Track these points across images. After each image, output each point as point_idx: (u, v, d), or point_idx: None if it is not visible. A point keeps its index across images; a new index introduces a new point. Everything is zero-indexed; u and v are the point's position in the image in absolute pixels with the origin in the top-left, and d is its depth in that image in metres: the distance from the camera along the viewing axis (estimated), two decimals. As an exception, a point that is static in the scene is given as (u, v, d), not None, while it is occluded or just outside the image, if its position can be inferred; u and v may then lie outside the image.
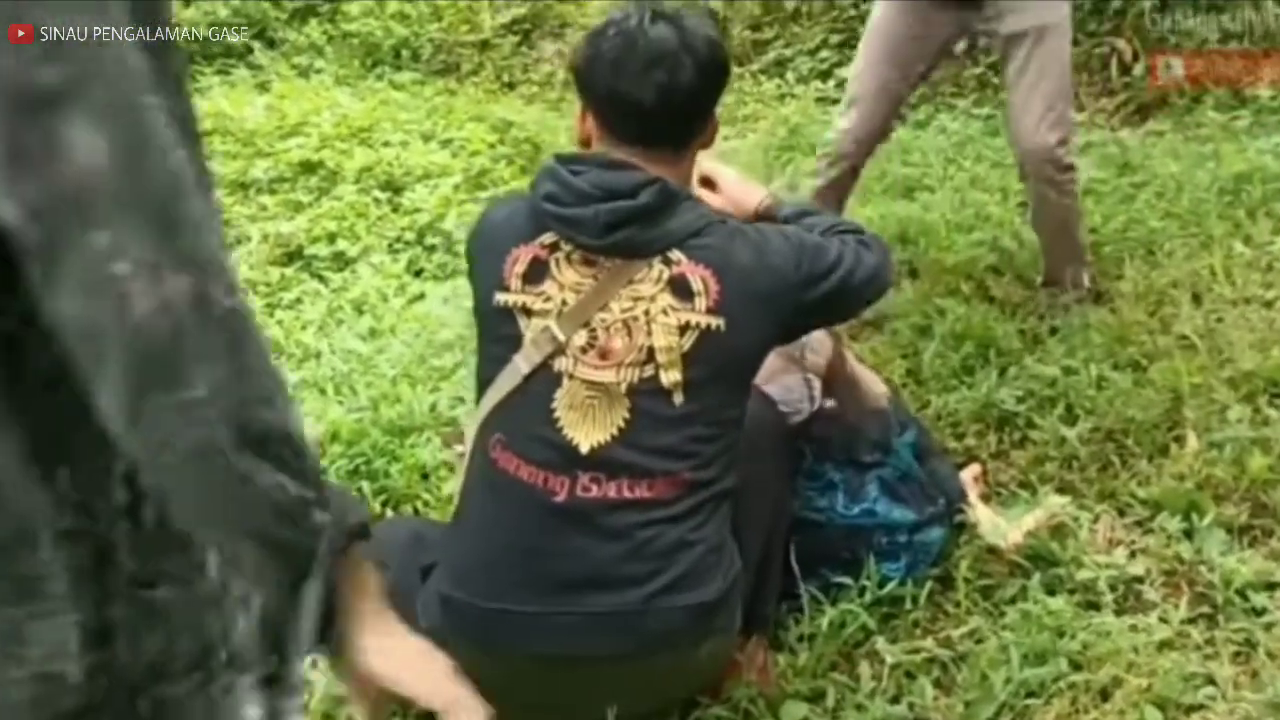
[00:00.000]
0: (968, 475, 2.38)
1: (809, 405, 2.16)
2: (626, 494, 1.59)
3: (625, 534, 1.58)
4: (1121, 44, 4.94)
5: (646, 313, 1.61)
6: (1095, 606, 2.02)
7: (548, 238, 1.65)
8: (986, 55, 5.30)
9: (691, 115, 1.68)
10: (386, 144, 4.71)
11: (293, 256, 3.85)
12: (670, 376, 1.60)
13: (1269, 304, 2.96)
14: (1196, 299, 3.01)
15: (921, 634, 2.00)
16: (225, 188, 4.30)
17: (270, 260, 3.80)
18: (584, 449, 1.60)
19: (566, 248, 1.64)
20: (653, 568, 1.58)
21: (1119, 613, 2.01)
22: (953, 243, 3.38)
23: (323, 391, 2.88)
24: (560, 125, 5.31)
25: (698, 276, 1.62)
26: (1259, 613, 1.98)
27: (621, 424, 1.60)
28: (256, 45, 7.20)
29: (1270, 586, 2.05)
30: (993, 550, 2.18)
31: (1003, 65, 2.94)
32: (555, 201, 1.63)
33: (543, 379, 1.63)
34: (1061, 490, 2.35)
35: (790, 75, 5.68)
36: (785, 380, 2.14)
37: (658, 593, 1.58)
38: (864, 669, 1.89)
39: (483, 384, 1.72)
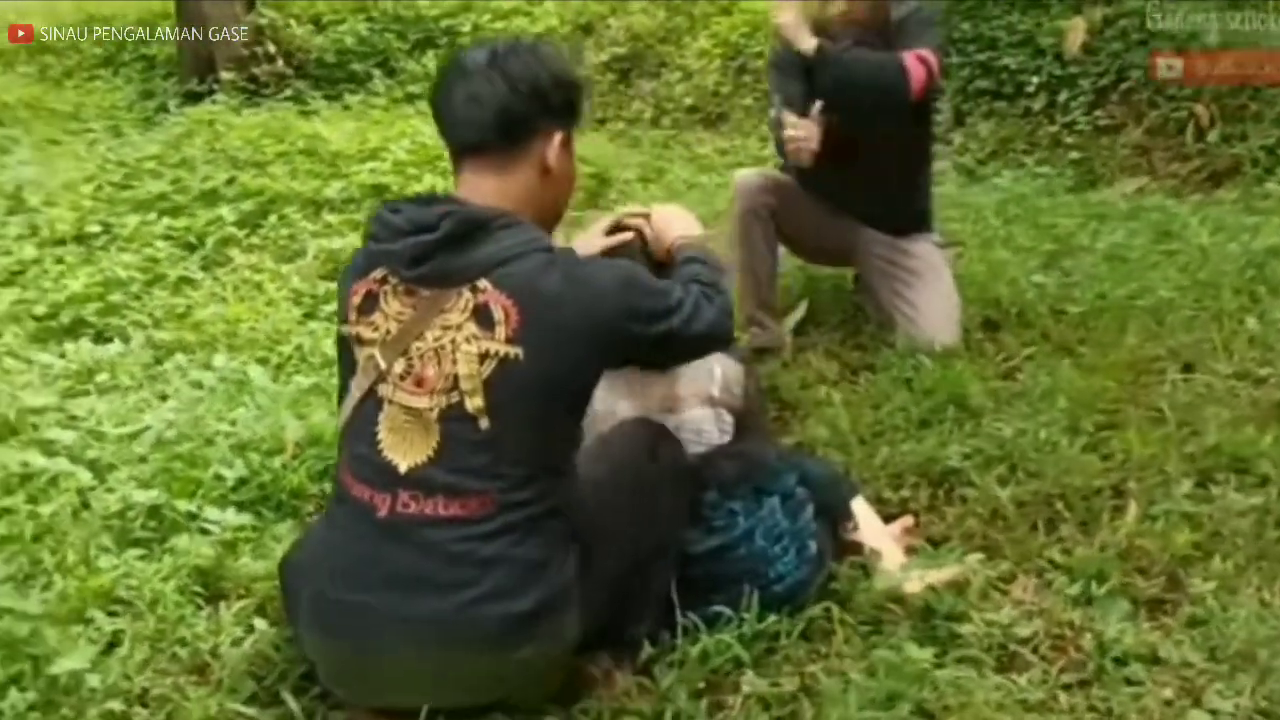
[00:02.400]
0: (897, 527, 2.42)
1: (719, 438, 2.25)
2: (441, 511, 1.72)
3: (440, 547, 1.71)
4: (1199, 109, 4.85)
5: (453, 341, 1.73)
6: (973, 662, 2.05)
7: (379, 273, 1.81)
8: (1064, 114, 5.28)
9: (501, 127, 1.81)
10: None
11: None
12: (474, 402, 1.72)
13: (1260, 380, 2.90)
14: (1189, 370, 2.97)
15: (791, 670, 2.05)
16: (299, 205, 4.62)
17: (319, 274, 4.07)
18: (402, 469, 1.74)
19: (393, 280, 1.79)
20: (465, 578, 1.70)
21: (997, 670, 2.03)
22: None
23: (329, 397, 3.08)
24: (632, 160, 5.51)
25: (499, 305, 1.73)
26: (1131, 683, 1.98)
27: (436, 446, 1.73)
28: (377, 73, 7.62)
29: (1155, 660, 2.03)
30: (896, 599, 2.22)
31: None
32: (375, 239, 1.81)
33: (370, 404, 1.78)
34: (984, 549, 2.37)
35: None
36: (695, 413, 2.24)
37: (470, 602, 1.70)
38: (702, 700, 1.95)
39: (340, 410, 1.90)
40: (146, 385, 3.36)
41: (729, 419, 2.29)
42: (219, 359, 3.34)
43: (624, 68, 7.07)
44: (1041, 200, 4.41)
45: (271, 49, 7.60)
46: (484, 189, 1.81)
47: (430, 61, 7.59)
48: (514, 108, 1.81)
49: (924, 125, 3.34)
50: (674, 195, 5.01)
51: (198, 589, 2.35)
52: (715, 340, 1.96)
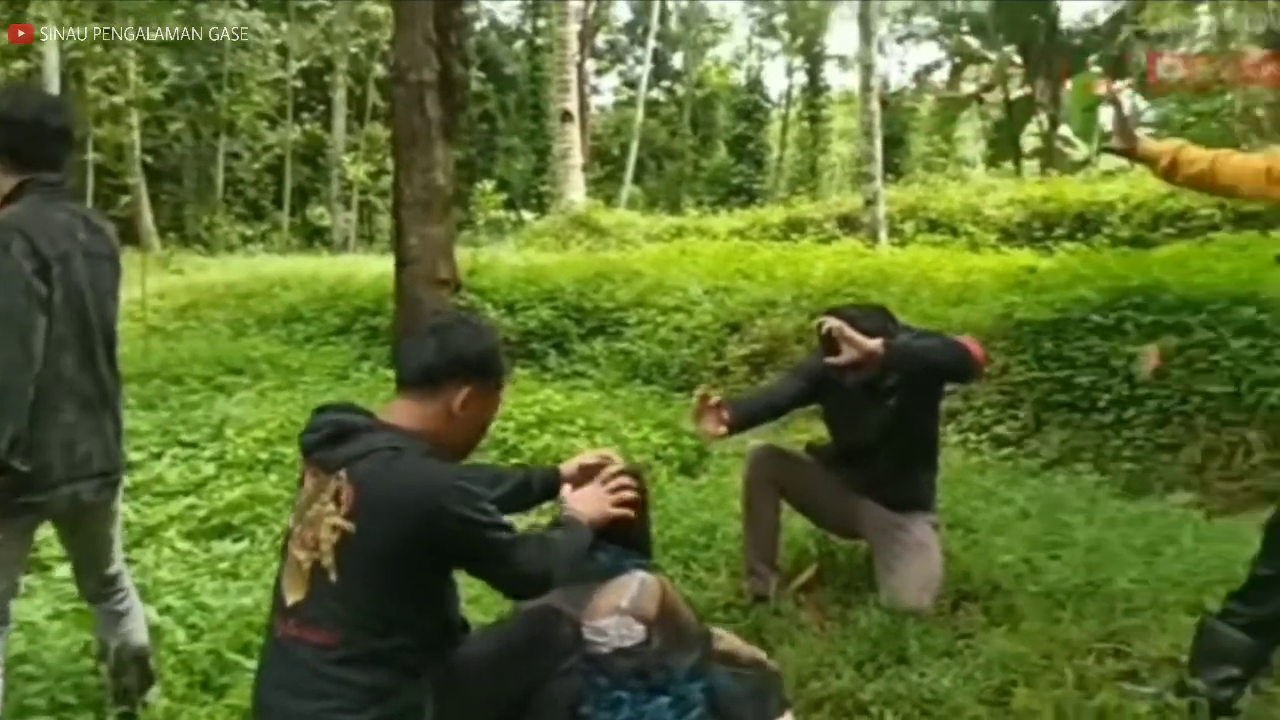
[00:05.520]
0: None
1: (619, 642, 2.74)
2: (309, 638, 2.26)
3: (307, 665, 2.25)
4: (1252, 435, 5.12)
5: (320, 515, 2.30)
6: None
7: (307, 460, 2.44)
8: (1129, 430, 5.62)
9: (424, 377, 2.41)
10: (575, 434, 5.75)
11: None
12: (327, 560, 2.25)
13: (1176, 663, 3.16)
14: (1118, 653, 3.27)
15: None
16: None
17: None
18: (289, 602, 2.32)
19: (309, 464, 2.41)
20: (322, 690, 2.23)
21: None
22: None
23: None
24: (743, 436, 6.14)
25: (345, 490, 2.25)
26: None
27: (307, 589, 2.29)
28: (552, 352, 8.71)
29: None
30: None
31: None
32: (304, 434, 2.43)
33: (285, 554, 2.40)
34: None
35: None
36: (608, 620, 2.75)
37: (324, 710, 2.22)
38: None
39: None
40: (257, 575, 4.15)
41: (638, 627, 2.76)
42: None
43: (759, 361, 7.85)
44: (1079, 501, 4.76)
45: (466, 327, 8.84)
46: (401, 413, 2.42)
47: (597, 345, 8.65)
48: (434, 366, 2.42)
49: (935, 421, 3.89)
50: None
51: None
52: (529, 580, 2.42)
